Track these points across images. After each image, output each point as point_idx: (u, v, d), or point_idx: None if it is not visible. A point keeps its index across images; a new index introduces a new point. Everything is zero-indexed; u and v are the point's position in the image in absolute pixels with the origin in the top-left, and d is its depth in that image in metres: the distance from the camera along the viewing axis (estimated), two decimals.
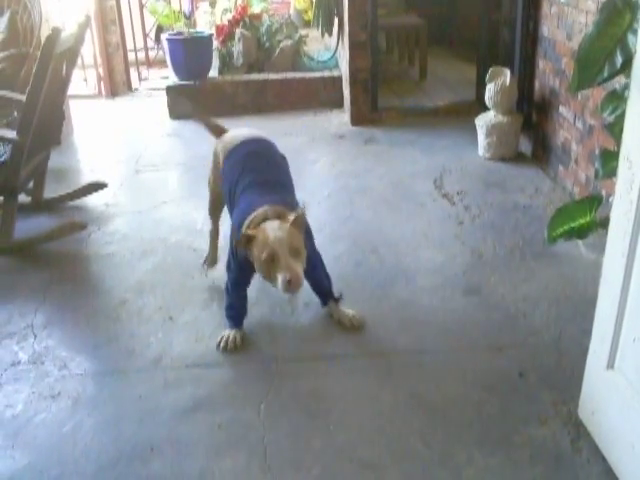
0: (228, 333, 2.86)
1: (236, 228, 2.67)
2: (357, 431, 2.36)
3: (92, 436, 2.37)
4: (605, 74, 2.24)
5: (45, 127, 3.84)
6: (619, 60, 2.22)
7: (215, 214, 3.39)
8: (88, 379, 2.68)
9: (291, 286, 2.49)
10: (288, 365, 2.72)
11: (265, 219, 2.61)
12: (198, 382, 2.64)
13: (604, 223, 2.32)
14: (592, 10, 3.65)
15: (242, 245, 2.58)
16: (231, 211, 2.96)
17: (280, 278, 2.48)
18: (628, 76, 2.00)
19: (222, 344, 2.82)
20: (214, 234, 3.44)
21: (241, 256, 2.67)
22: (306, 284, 2.77)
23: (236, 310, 2.92)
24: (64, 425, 2.43)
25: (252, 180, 2.85)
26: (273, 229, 2.54)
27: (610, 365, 2.13)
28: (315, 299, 3.06)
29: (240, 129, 3.25)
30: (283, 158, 3.14)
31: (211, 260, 3.44)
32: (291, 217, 2.60)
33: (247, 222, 2.63)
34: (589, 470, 2.14)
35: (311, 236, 2.88)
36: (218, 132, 3.27)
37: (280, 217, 2.62)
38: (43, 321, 3.08)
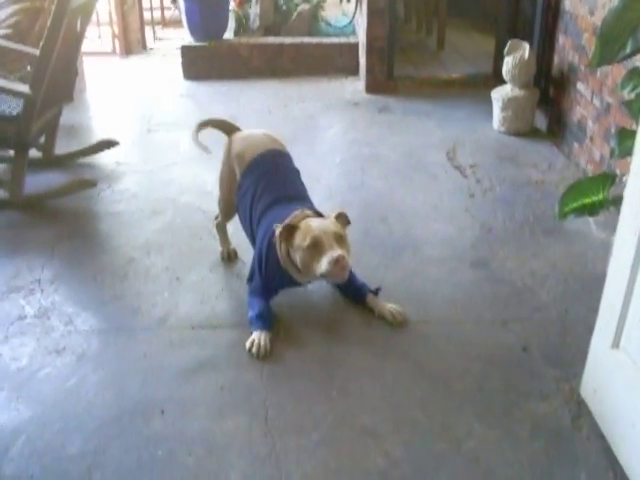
0: (258, 336, 2.61)
1: (271, 232, 2.64)
2: (359, 398, 2.37)
3: (95, 392, 2.39)
4: (628, 50, 2.19)
5: (58, 83, 3.81)
6: None
7: (227, 215, 3.18)
8: (93, 335, 2.70)
9: (337, 266, 2.43)
10: (293, 330, 2.73)
11: (305, 218, 2.61)
12: (203, 343, 2.65)
13: (616, 201, 2.29)
14: None
15: (284, 237, 2.56)
16: (247, 226, 2.92)
17: (325, 259, 2.44)
18: None
19: (254, 350, 2.57)
20: (223, 228, 3.25)
21: (271, 261, 2.66)
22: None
23: (262, 315, 2.69)
24: (68, 380, 2.45)
25: (275, 198, 2.80)
26: (317, 220, 2.58)
27: (615, 344, 2.12)
28: None
29: (253, 131, 3.14)
30: (297, 172, 3.03)
31: (228, 253, 3.24)
32: (334, 213, 2.63)
33: (287, 221, 2.60)
34: (588, 447, 2.15)
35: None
36: (230, 130, 3.19)
37: (319, 216, 2.66)
38: (50, 276, 3.09)
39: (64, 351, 2.60)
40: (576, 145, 4.25)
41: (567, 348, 2.61)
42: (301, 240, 2.51)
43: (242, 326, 2.74)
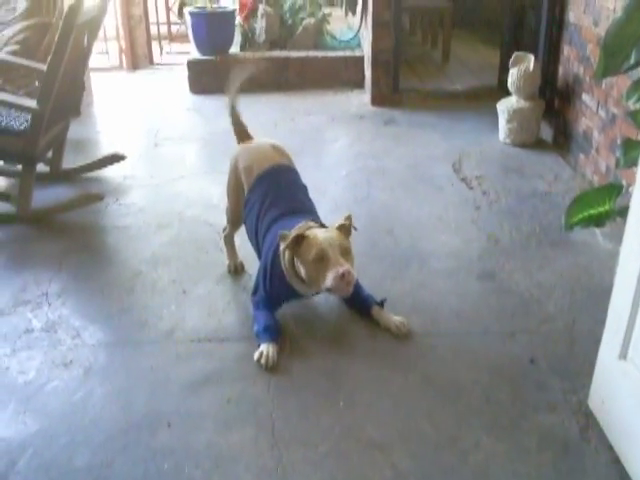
0: (266, 348, 2.60)
1: (277, 245, 2.65)
2: (366, 410, 2.36)
3: (102, 405, 2.39)
4: (632, 61, 2.20)
5: (65, 97, 3.84)
6: None
7: (235, 225, 3.19)
8: (100, 349, 2.70)
9: (343, 280, 2.43)
10: (299, 342, 2.73)
11: (309, 229, 2.62)
12: (209, 356, 2.65)
13: (623, 212, 2.29)
14: None
15: (290, 247, 2.56)
16: (253, 239, 2.93)
17: (331, 274, 2.44)
18: None
19: (263, 361, 2.56)
20: (230, 240, 3.25)
21: (276, 273, 2.67)
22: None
23: (269, 328, 2.68)
24: (75, 393, 2.45)
25: (281, 212, 2.81)
26: (321, 232, 2.58)
27: (622, 355, 2.12)
28: None
29: (261, 143, 3.14)
30: (305, 187, 3.03)
31: (235, 266, 3.23)
32: (337, 224, 2.63)
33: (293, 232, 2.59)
34: (597, 459, 2.14)
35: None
36: (242, 136, 3.20)
37: (323, 227, 2.67)
38: (58, 290, 3.10)
39: (71, 364, 2.61)
40: (582, 156, 4.25)
41: (574, 359, 2.60)
42: (307, 252, 2.52)
43: (249, 339, 2.74)
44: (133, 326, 2.85)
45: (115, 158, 4.48)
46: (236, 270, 3.23)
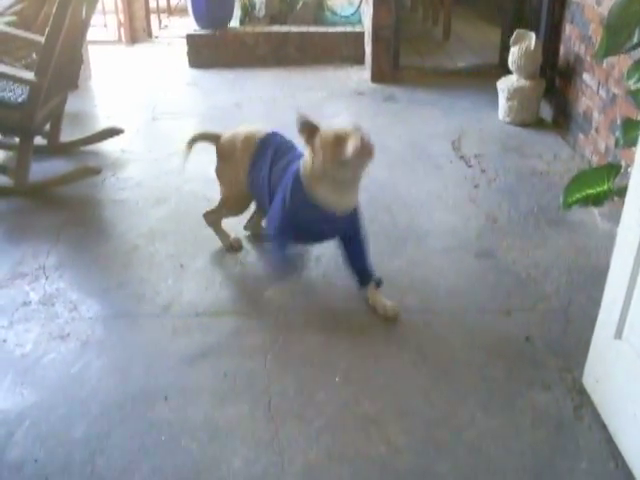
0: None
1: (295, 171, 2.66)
2: (362, 386, 2.37)
3: (99, 378, 2.41)
4: (635, 40, 2.19)
5: (63, 70, 3.81)
6: None
7: (240, 209, 3.16)
8: (98, 322, 2.71)
9: (363, 147, 2.45)
10: (296, 317, 2.74)
11: None
12: (206, 330, 2.66)
13: (621, 192, 2.29)
14: None
15: (306, 134, 2.55)
16: (265, 197, 2.87)
17: (351, 144, 2.44)
18: None
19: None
20: (218, 224, 3.23)
21: (298, 194, 2.62)
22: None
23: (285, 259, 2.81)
24: (72, 366, 2.46)
25: (294, 156, 2.79)
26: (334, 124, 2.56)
27: (618, 335, 2.12)
28: (327, 252, 3.06)
29: (238, 129, 3.08)
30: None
31: (231, 244, 3.22)
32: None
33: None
34: (590, 437, 2.15)
35: (360, 217, 2.82)
36: (213, 137, 3.13)
37: None
38: (55, 263, 3.10)
39: (68, 337, 2.61)
40: (581, 136, 4.24)
41: (570, 338, 2.61)
42: (323, 140, 2.51)
43: (246, 313, 2.75)
44: (130, 300, 2.86)
45: (113, 132, 4.46)
46: (236, 246, 3.22)
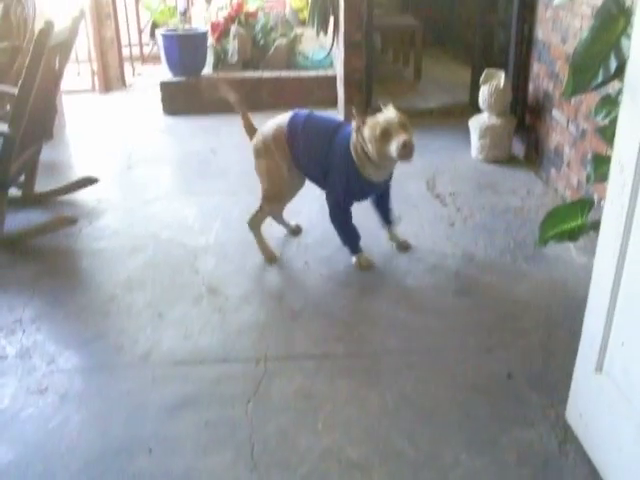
0: (358, 256, 3.39)
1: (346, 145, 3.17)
2: (345, 431, 2.35)
3: (79, 432, 2.36)
4: (599, 79, 2.23)
5: (37, 121, 3.82)
6: (613, 65, 2.22)
7: (286, 197, 3.52)
8: (76, 374, 2.67)
9: (406, 148, 2.92)
10: (277, 364, 2.72)
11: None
12: (186, 379, 2.63)
13: (595, 226, 2.31)
14: (587, 14, 3.66)
15: (358, 129, 3.06)
16: (314, 165, 3.32)
17: (395, 144, 2.93)
18: (622, 81, 2.00)
19: (363, 264, 3.36)
20: (259, 229, 3.51)
21: (350, 167, 3.14)
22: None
23: (354, 237, 3.38)
24: (51, 420, 2.42)
25: (334, 125, 3.32)
26: (381, 115, 3.07)
27: (599, 368, 2.13)
28: (308, 304, 3.05)
29: (268, 123, 3.43)
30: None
31: (272, 256, 3.50)
32: (392, 107, 3.12)
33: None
34: (576, 473, 2.14)
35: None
36: (251, 132, 3.51)
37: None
38: (32, 315, 3.06)
39: (46, 391, 2.57)
40: (554, 171, 4.30)
41: (552, 373, 2.61)
42: (372, 132, 3.00)
43: (225, 361, 2.73)
44: (109, 350, 2.82)
45: (88, 181, 4.45)
46: (274, 258, 3.50)
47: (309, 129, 3.28)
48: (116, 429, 2.37)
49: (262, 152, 3.37)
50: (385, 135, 2.97)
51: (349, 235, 3.39)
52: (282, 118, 3.35)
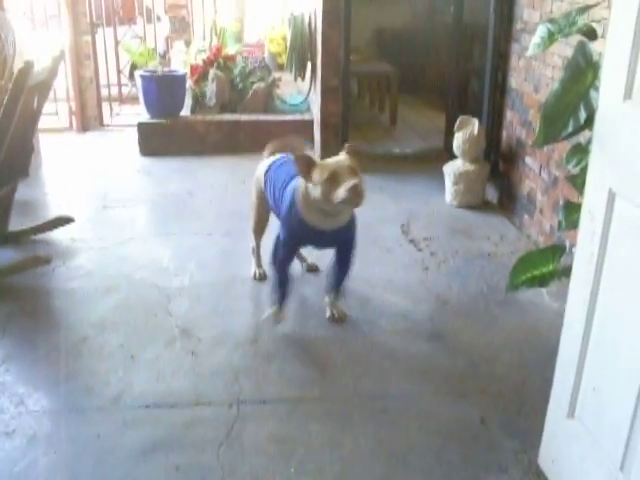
0: (275, 309, 3.25)
1: (291, 196, 3.11)
2: (317, 476, 2.33)
3: (46, 476, 2.32)
4: (570, 129, 2.29)
5: (13, 159, 3.80)
6: (583, 115, 2.28)
7: (260, 233, 3.72)
8: (45, 416, 2.63)
9: (354, 192, 2.76)
10: (249, 408, 2.69)
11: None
12: (157, 423, 2.60)
13: (567, 272, 2.35)
14: (558, 65, 3.75)
15: (305, 169, 2.89)
16: (275, 203, 3.36)
17: (343, 188, 2.77)
18: (592, 130, 2.05)
19: (275, 318, 3.25)
20: (257, 250, 3.79)
21: (296, 217, 3.05)
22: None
23: (284, 288, 3.24)
24: (17, 464, 2.36)
25: (290, 176, 3.23)
26: (331, 159, 3.00)
27: (570, 414, 2.14)
28: (282, 350, 3.05)
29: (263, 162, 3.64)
30: None
31: (259, 274, 3.77)
32: (344, 150, 3.04)
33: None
34: None
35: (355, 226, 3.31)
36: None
37: None
38: (1, 356, 3.01)
39: (14, 433, 2.52)
40: (527, 217, 4.36)
41: (525, 419, 2.62)
42: (320, 175, 2.84)
43: (197, 404, 2.70)
44: (79, 392, 2.78)
45: (63, 220, 4.43)
46: (260, 277, 3.74)
47: (277, 173, 3.38)
48: (85, 473, 2.33)
49: (255, 186, 3.62)
50: (333, 178, 2.81)
51: (279, 281, 3.24)
52: (268, 161, 3.57)
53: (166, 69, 6.68)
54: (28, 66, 3.36)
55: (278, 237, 3.23)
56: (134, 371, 2.92)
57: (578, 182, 2.50)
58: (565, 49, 3.59)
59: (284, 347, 3.10)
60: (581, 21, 2.49)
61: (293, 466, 2.37)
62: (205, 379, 2.86)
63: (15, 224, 4.31)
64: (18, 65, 3.43)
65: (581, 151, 2.56)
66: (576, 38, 2.49)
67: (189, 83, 6.64)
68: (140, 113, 6.59)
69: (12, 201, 4.21)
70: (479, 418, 2.62)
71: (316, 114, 6.06)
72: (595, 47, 2.37)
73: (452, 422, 2.61)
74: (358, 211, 4.78)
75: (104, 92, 7.49)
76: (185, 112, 6.56)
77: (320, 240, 3.22)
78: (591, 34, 2.47)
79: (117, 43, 7.47)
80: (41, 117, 4.17)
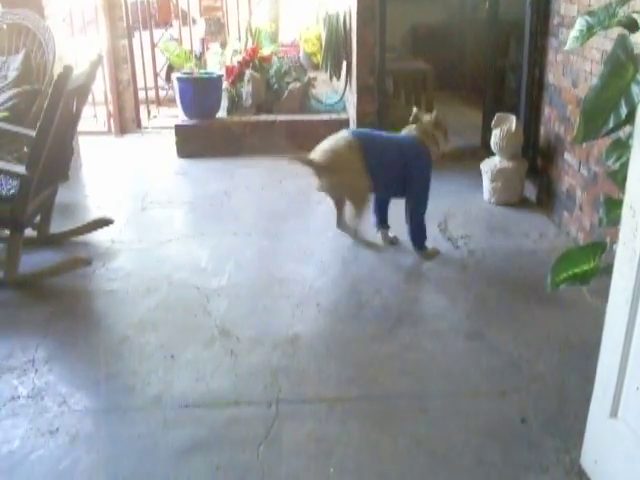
0: (428, 249, 4.00)
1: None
2: (357, 476, 2.33)
3: (89, 474, 2.35)
4: (610, 125, 2.25)
5: (54, 163, 3.87)
6: (624, 111, 2.23)
7: (369, 198, 4.04)
8: (87, 416, 2.67)
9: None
10: (288, 407, 2.70)
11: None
12: (198, 422, 2.62)
13: (608, 270, 2.31)
14: (596, 59, 3.69)
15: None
16: (386, 171, 3.96)
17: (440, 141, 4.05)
18: (633, 125, 2.02)
19: (431, 254, 3.99)
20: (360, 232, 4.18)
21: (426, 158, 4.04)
22: None
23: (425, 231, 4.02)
24: (61, 462, 2.40)
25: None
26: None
27: (613, 413, 2.11)
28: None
29: (322, 145, 4.07)
30: None
31: (389, 240, 4.25)
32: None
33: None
34: None
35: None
36: (309, 162, 3.95)
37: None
38: (44, 356, 3.07)
39: (57, 432, 2.57)
40: (566, 214, 4.30)
41: (566, 418, 2.59)
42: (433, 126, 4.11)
43: (237, 404, 2.72)
44: (120, 392, 2.82)
45: (103, 222, 4.49)
46: (392, 242, 4.22)
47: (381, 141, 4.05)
48: (126, 472, 2.36)
49: (337, 167, 3.85)
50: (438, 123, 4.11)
51: (424, 229, 4.00)
52: (345, 134, 4.05)
53: (202, 71, 6.72)
54: (67, 71, 3.41)
55: (420, 196, 4.00)
56: (174, 371, 2.95)
57: (619, 178, 2.46)
58: (604, 42, 3.53)
59: (322, 347, 3.10)
60: (621, 12, 2.44)
61: (332, 466, 2.37)
62: (244, 379, 2.88)
63: (56, 226, 4.38)
64: (58, 70, 3.49)
65: (621, 146, 2.51)
66: (616, 31, 2.44)
67: (225, 84, 6.68)
68: (177, 115, 6.65)
69: (53, 204, 4.29)
70: (519, 417, 2.60)
71: (352, 113, 6.05)
72: (636, 40, 2.33)
73: (492, 421, 2.59)
74: (395, 210, 4.80)
75: (141, 95, 7.57)
76: (222, 113, 6.59)
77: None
78: (632, 26, 2.41)
79: (153, 46, 7.55)
80: (80, 120, 4.23)
